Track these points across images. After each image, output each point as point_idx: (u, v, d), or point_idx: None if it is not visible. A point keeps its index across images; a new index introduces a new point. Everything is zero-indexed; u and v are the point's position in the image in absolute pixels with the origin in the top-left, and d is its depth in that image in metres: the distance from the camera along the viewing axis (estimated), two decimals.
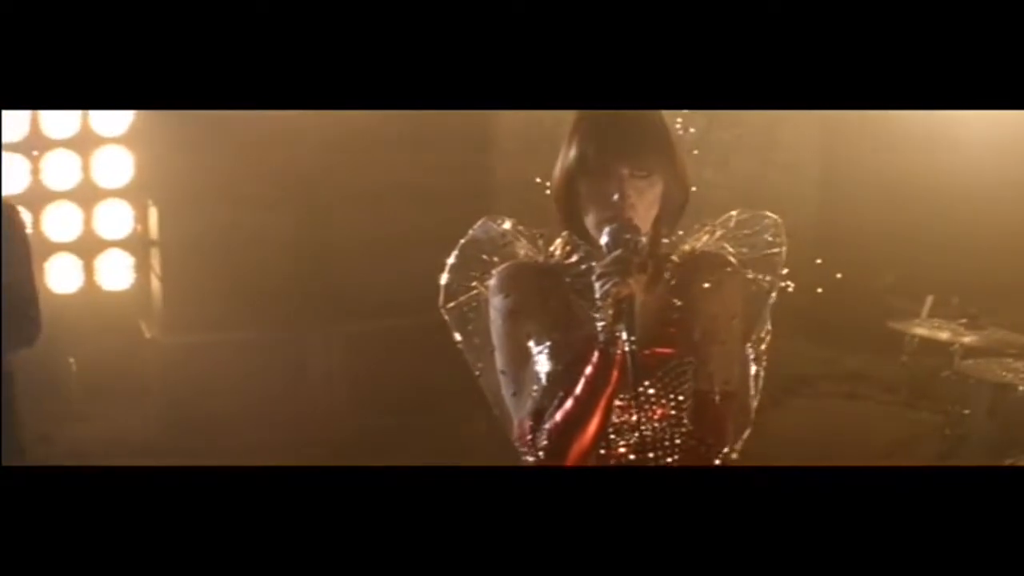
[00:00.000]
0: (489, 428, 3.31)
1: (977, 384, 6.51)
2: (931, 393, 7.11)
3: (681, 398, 2.97)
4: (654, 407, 2.96)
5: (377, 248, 8.53)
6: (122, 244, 8.87)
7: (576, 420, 2.88)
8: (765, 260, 3.20)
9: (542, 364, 2.96)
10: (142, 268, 8.92)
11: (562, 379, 2.91)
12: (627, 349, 2.79)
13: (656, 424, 2.96)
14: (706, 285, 3.05)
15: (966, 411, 6.53)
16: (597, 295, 2.82)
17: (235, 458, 6.89)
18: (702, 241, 3.16)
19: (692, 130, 9.16)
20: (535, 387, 2.95)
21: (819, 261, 9.54)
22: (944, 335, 6.74)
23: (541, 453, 2.93)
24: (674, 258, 3.10)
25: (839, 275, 9.50)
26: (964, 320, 6.67)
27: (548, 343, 2.96)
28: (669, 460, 3.00)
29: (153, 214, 8.79)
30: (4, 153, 8.25)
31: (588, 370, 2.86)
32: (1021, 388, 6.33)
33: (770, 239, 3.21)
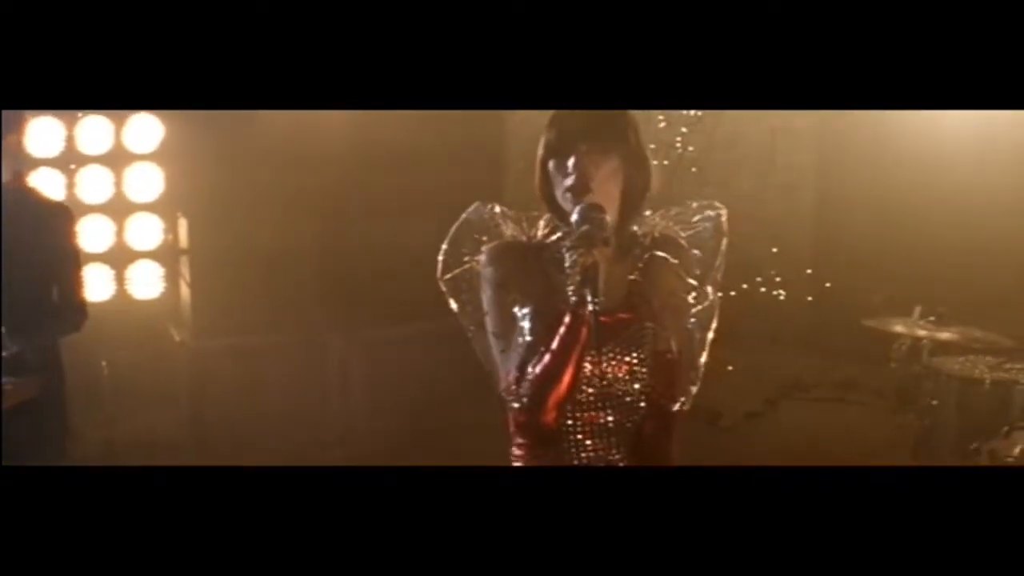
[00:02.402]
0: (502, 432, 3.62)
1: (946, 378, 6.88)
2: (913, 393, 7.39)
3: (642, 356, 3.38)
4: (620, 364, 3.38)
5: (396, 257, 8.66)
6: (152, 255, 8.97)
7: (552, 372, 3.28)
8: (711, 241, 3.53)
9: (525, 327, 3.35)
10: (171, 277, 9.06)
11: (541, 339, 3.30)
12: (591, 310, 3.19)
13: (620, 378, 3.39)
14: (663, 262, 3.46)
15: (934, 402, 6.91)
16: (567, 264, 3.22)
17: (259, 457, 7.27)
18: (660, 225, 3.55)
19: (691, 148, 9.55)
20: (519, 346, 3.35)
21: (809, 271, 9.94)
22: (922, 332, 7.06)
23: (525, 400, 3.33)
24: (639, 239, 3.51)
25: (828, 284, 9.90)
26: (932, 318, 7.04)
27: (530, 309, 3.36)
28: (631, 410, 3.42)
29: (182, 226, 9.04)
30: (42, 168, 8.47)
31: (561, 329, 3.27)
32: (986, 380, 6.69)
33: (714, 225, 3.55)
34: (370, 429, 8.81)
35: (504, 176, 9.28)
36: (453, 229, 3.59)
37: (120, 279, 8.95)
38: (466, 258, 3.55)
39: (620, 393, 3.41)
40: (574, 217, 3.31)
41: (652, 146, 9.01)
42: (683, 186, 8.77)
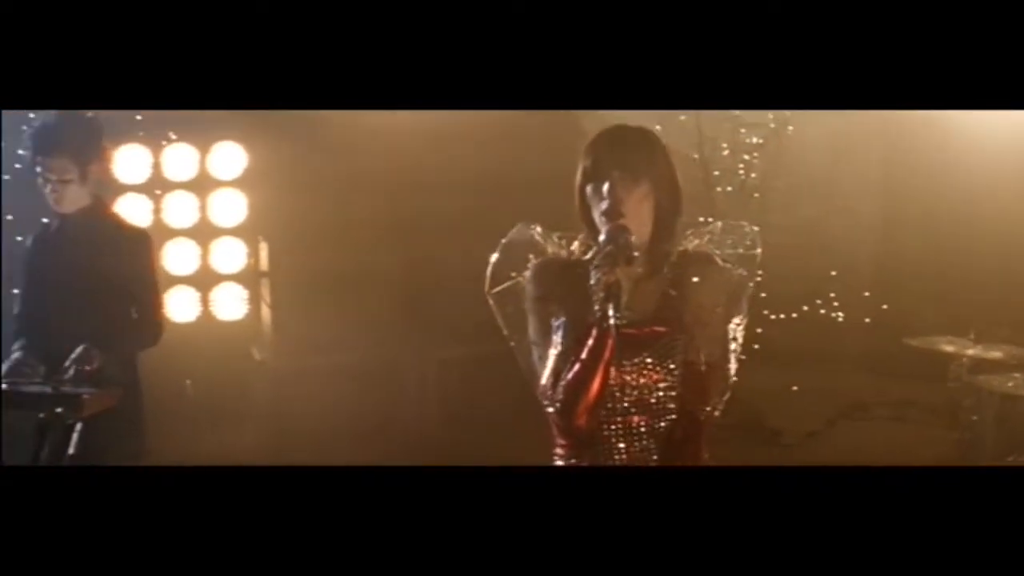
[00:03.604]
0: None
1: (988, 395, 7.10)
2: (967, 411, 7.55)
3: (673, 367, 3.64)
4: (652, 373, 3.65)
5: (472, 278, 8.88)
6: (236, 277, 9.23)
7: (583, 379, 3.55)
8: (744, 260, 3.78)
9: (560, 336, 3.64)
10: (254, 299, 9.30)
11: (574, 348, 3.58)
12: (612, 324, 3.47)
13: (653, 386, 3.66)
14: (695, 279, 3.70)
15: (974, 417, 7.15)
16: (592, 282, 3.51)
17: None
18: (694, 244, 3.81)
19: (753, 175, 9.73)
20: (555, 354, 3.64)
21: (867, 294, 10.09)
22: (970, 352, 7.26)
23: (558, 404, 3.62)
24: (671, 257, 3.77)
25: (884, 306, 10.06)
26: (972, 336, 7.22)
27: (565, 320, 3.64)
28: (663, 416, 3.68)
29: (264, 250, 9.34)
30: (130, 194, 8.81)
31: (589, 341, 3.54)
32: None
33: (749, 243, 3.80)
34: (441, 442, 9.00)
35: (569, 201, 9.43)
36: (499, 248, 3.89)
37: (205, 301, 9.22)
38: (512, 273, 3.84)
39: (653, 400, 3.67)
40: (602, 237, 3.59)
41: (716, 172, 9.22)
42: (746, 212, 8.94)
